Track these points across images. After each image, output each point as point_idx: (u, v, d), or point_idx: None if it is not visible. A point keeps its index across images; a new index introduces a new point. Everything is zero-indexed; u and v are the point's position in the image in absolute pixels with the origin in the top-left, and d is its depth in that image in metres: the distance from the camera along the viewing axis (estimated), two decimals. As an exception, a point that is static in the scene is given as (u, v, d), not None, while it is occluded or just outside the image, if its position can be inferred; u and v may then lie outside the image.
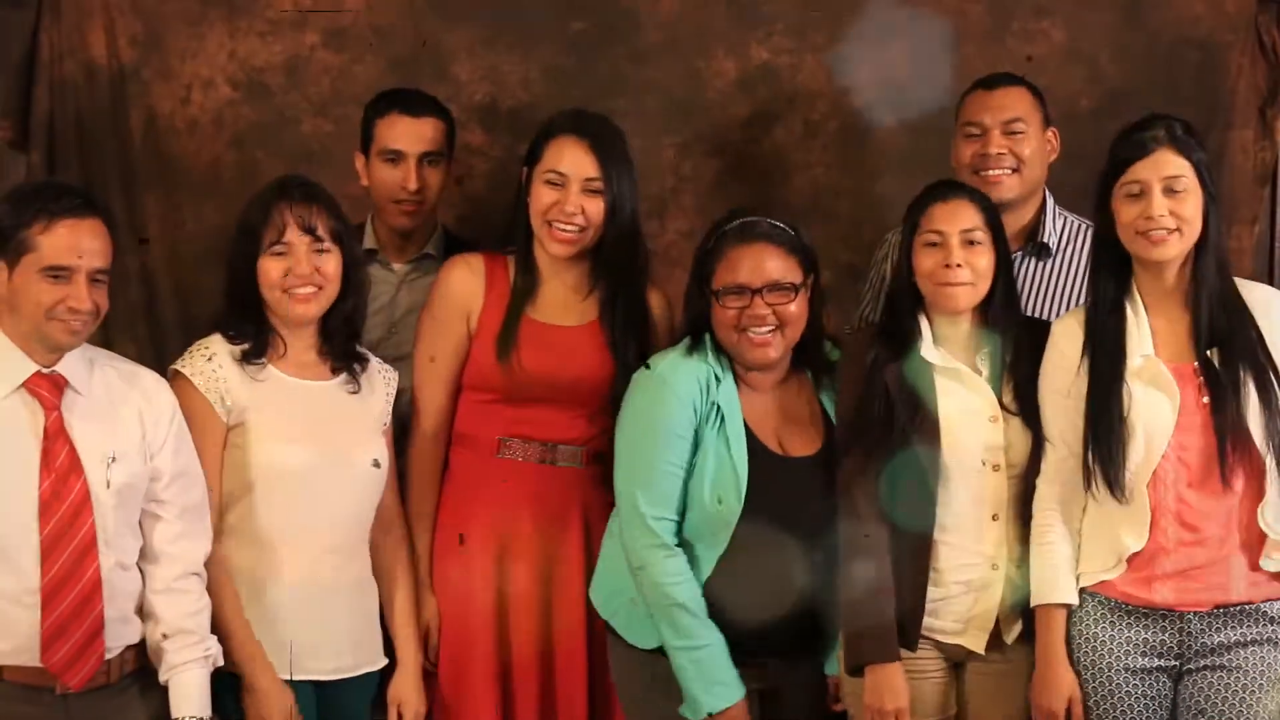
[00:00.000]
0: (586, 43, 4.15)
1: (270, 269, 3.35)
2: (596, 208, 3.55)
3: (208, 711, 3.20)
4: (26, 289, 3.07)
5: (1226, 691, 3.22)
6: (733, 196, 3.97)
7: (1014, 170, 3.74)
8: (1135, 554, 3.24)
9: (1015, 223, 3.74)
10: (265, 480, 3.34)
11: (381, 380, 3.52)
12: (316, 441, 3.37)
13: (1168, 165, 3.24)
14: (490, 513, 3.60)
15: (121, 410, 3.19)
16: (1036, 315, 3.70)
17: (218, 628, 3.26)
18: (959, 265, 3.33)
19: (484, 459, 3.61)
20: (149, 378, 3.28)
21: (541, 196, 3.56)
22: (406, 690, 3.54)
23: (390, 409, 3.54)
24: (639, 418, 3.41)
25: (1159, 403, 3.24)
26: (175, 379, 3.35)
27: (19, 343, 3.11)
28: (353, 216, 3.59)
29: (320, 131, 4.13)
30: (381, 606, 3.54)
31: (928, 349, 3.38)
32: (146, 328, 4.07)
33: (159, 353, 3.90)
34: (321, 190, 3.43)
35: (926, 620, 3.34)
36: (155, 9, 4.10)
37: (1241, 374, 3.23)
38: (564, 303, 3.62)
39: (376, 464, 3.46)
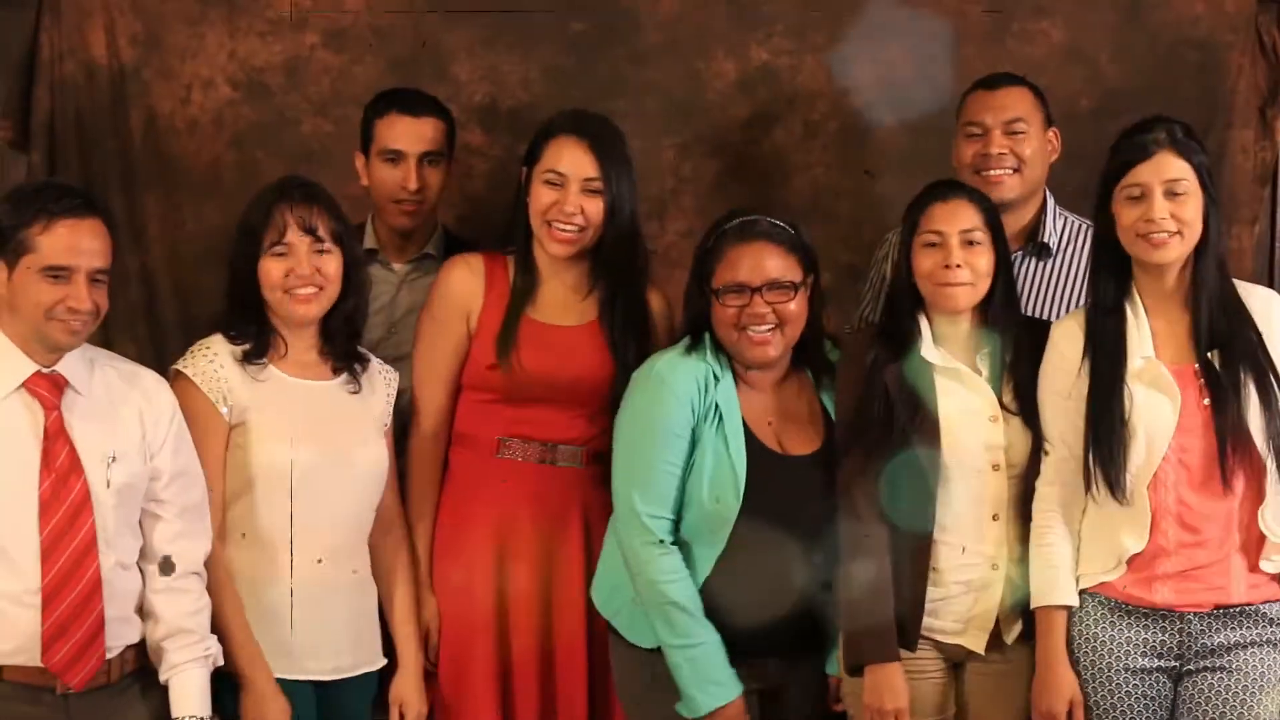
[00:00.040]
0: (586, 43, 4.15)
1: (271, 270, 3.36)
2: (596, 208, 3.55)
3: (208, 711, 3.20)
4: (26, 289, 3.07)
5: (1226, 693, 3.22)
6: (733, 197, 3.97)
7: (1015, 170, 3.74)
8: (1135, 555, 3.24)
9: (1016, 223, 3.74)
10: (266, 480, 3.35)
11: (382, 381, 3.52)
12: (317, 441, 3.37)
13: (1169, 168, 3.24)
14: (490, 513, 3.60)
15: (121, 410, 3.19)
16: (1037, 315, 3.70)
17: (217, 628, 3.26)
18: (958, 266, 3.33)
19: (484, 459, 3.61)
20: (149, 377, 3.28)
21: (541, 196, 3.56)
22: (408, 691, 3.55)
23: (391, 410, 3.54)
24: (637, 417, 3.41)
25: (1160, 404, 3.25)
26: (177, 379, 3.35)
27: (19, 343, 3.11)
28: (353, 216, 3.59)
29: (320, 131, 4.13)
30: (381, 607, 3.54)
31: (927, 349, 3.38)
32: (146, 328, 4.07)
33: (159, 353, 3.90)
34: (322, 191, 3.43)
35: (926, 620, 3.34)
36: (155, 9, 4.10)
37: (1242, 376, 3.23)
38: (563, 303, 3.62)
39: (377, 464, 3.46)
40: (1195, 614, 3.23)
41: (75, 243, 3.07)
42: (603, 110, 3.75)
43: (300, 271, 3.34)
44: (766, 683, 3.46)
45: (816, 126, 4.19)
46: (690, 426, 3.36)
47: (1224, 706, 3.21)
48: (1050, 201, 3.83)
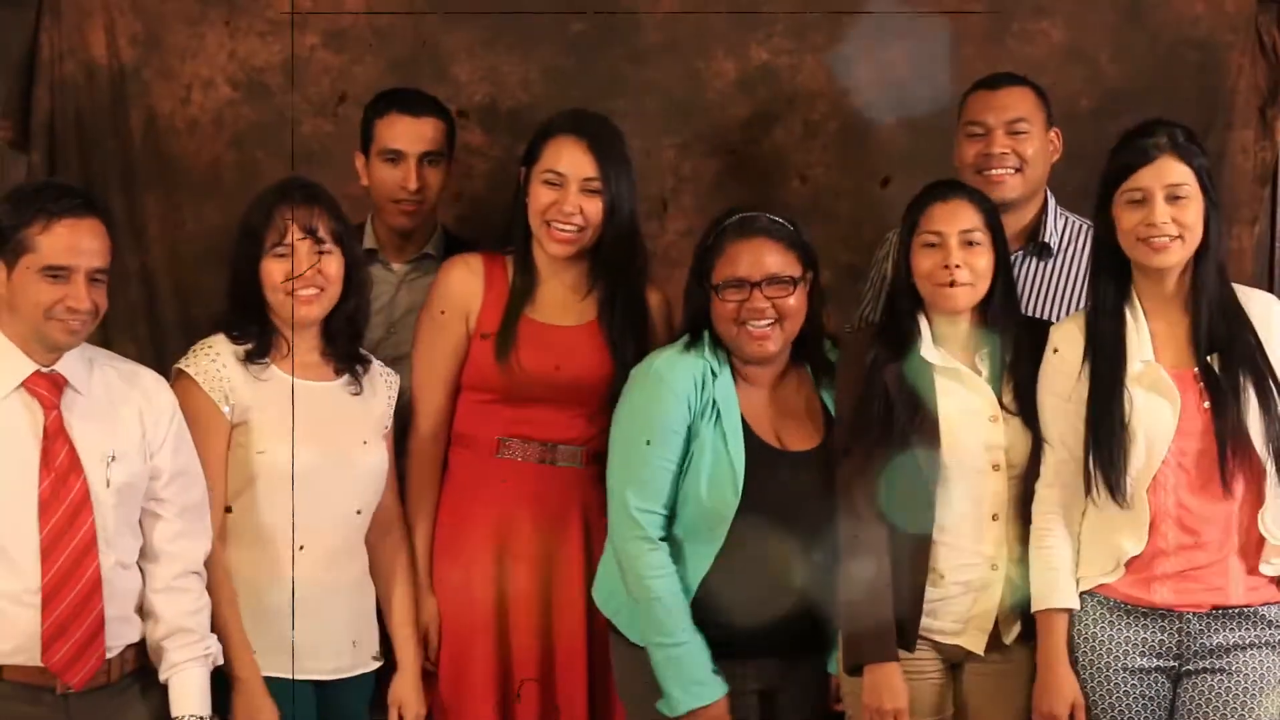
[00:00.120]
0: (586, 43, 4.15)
1: (273, 271, 3.36)
2: (595, 208, 3.55)
3: (208, 710, 3.20)
4: (25, 289, 3.07)
5: (1226, 694, 3.22)
6: (732, 197, 3.97)
7: (1017, 170, 3.74)
8: (1134, 557, 3.24)
9: (1017, 223, 3.74)
10: (267, 479, 3.35)
11: (384, 383, 3.53)
12: (318, 441, 3.38)
13: (1171, 173, 3.24)
14: (490, 513, 3.60)
15: (121, 409, 3.19)
16: (1037, 315, 3.70)
17: (213, 626, 3.26)
18: (958, 266, 3.33)
19: (483, 459, 3.61)
20: (149, 377, 3.28)
21: (540, 196, 3.56)
22: (406, 692, 3.55)
23: (391, 412, 3.54)
24: (634, 413, 3.42)
25: (1160, 408, 3.24)
26: (179, 378, 3.36)
27: (18, 343, 3.11)
28: (353, 216, 3.59)
29: (320, 131, 4.13)
30: (379, 608, 3.54)
31: (927, 349, 3.38)
32: (146, 328, 4.06)
33: (159, 353, 3.90)
34: (323, 191, 3.44)
35: (925, 620, 3.33)
36: (155, 9, 4.10)
37: (1241, 380, 3.23)
38: (563, 303, 3.62)
39: (377, 466, 3.47)
40: (1194, 614, 3.23)
41: (74, 242, 3.08)
42: (603, 110, 3.75)
43: (301, 272, 3.34)
44: (766, 683, 3.46)
45: (816, 126, 4.18)
46: (687, 424, 3.36)
47: (1223, 708, 3.21)
48: (1051, 202, 3.83)
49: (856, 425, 3.36)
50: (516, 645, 3.59)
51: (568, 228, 3.55)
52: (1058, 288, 3.80)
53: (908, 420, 3.33)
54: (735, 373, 3.42)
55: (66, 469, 3.09)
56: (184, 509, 3.24)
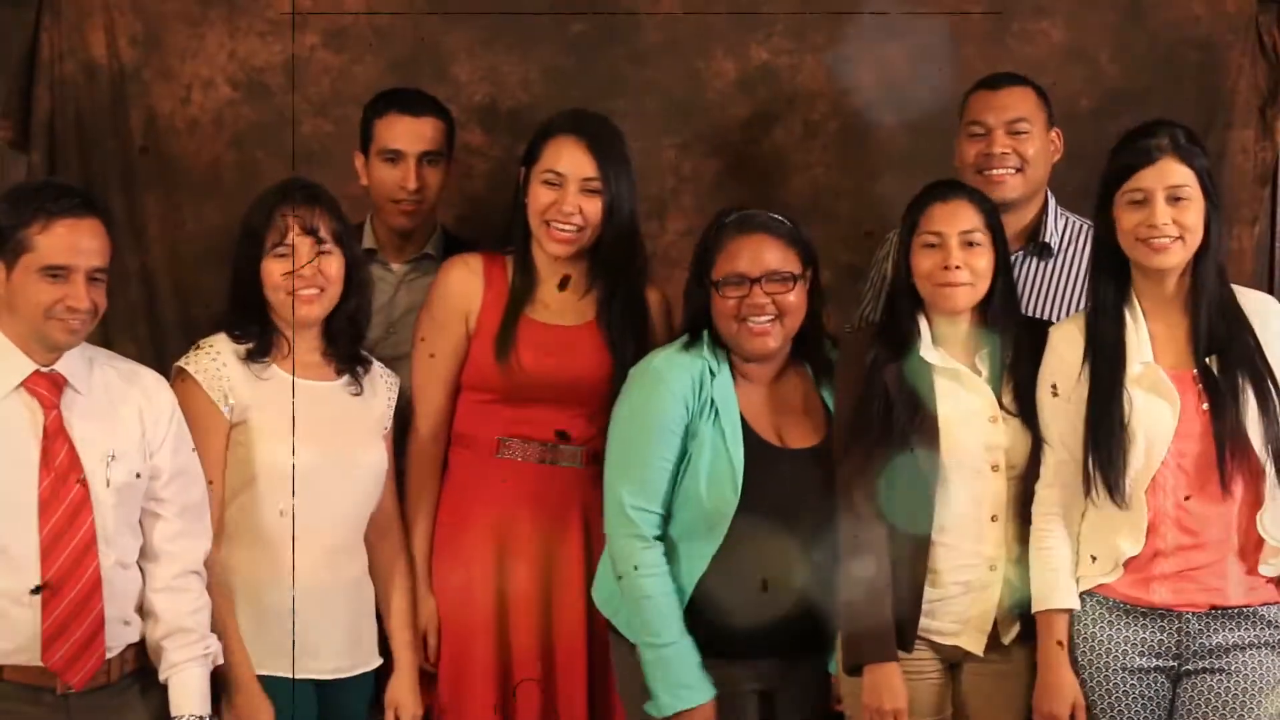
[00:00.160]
0: (586, 43, 4.15)
1: (273, 270, 3.37)
2: (594, 207, 3.55)
3: (207, 710, 3.21)
4: (25, 288, 3.07)
5: (1225, 695, 3.22)
6: (732, 197, 3.97)
7: (1018, 170, 3.74)
8: (1133, 557, 3.24)
9: (1017, 223, 3.75)
10: (267, 478, 3.35)
11: (384, 384, 3.53)
12: (319, 441, 3.38)
13: (1172, 174, 3.24)
14: (490, 513, 3.60)
15: (121, 409, 3.19)
16: (1038, 315, 3.70)
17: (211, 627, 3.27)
18: (958, 267, 3.33)
19: (483, 459, 3.61)
20: (149, 376, 3.28)
21: (539, 196, 3.57)
22: (403, 693, 3.55)
23: (391, 413, 3.54)
24: (632, 412, 3.42)
25: (1159, 409, 3.25)
26: (179, 376, 3.36)
27: (18, 342, 3.11)
28: (352, 216, 3.59)
29: (320, 131, 4.13)
30: (378, 609, 3.54)
31: (927, 349, 3.38)
32: (146, 328, 4.07)
33: (159, 353, 3.90)
34: (323, 192, 3.45)
35: (923, 621, 3.33)
36: (155, 9, 4.10)
37: (1240, 381, 3.23)
38: (562, 302, 3.62)
39: (376, 466, 3.47)
40: (1193, 614, 3.23)
41: (74, 242, 3.08)
42: (603, 110, 3.75)
43: (302, 272, 3.34)
44: (765, 683, 3.46)
45: (816, 126, 4.19)
46: (685, 423, 3.37)
47: (1222, 708, 3.21)
48: (1052, 202, 3.83)
49: (856, 425, 3.36)
50: (516, 645, 3.59)
51: (567, 228, 3.55)
52: (1058, 288, 3.80)
53: (907, 421, 3.33)
54: (734, 371, 3.42)
55: (66, 468, 3.09)
56: (184, 508, 3.24)
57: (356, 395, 3.47)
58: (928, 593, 3.33)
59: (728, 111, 4.18)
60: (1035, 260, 3.81)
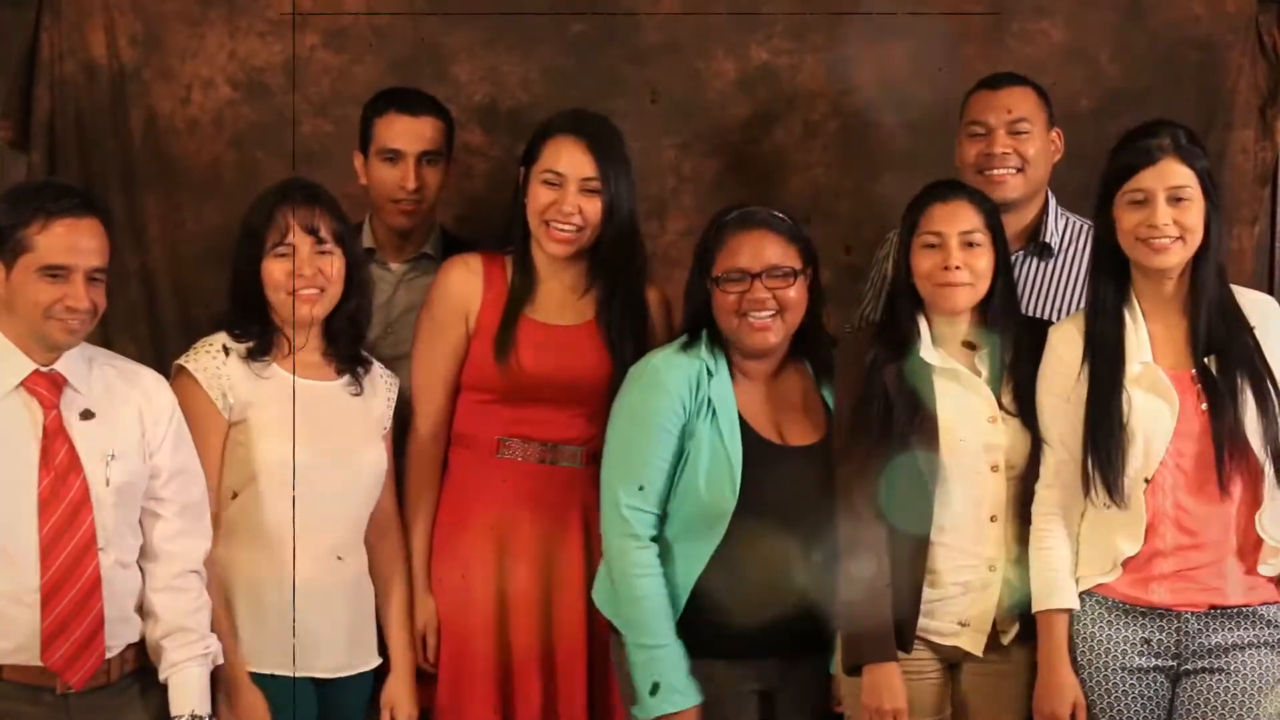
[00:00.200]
0: (586, 43, 4.16)
1: (274, 270, 3.37)
2: (594, 207, 3.55)
3: (207, 709, 3.20)
4: (24, 288, 3.07)
5: (1225, 695, 3.22)
6: (732, 197, 3.95)
7: (1018, 170, 3.74)
8: (1130, 557, 3.24)
9: (1017, 223, 3.75)
10: (268, 477, 3.36)
11: (384, 384, 3.53)
12: (319, 441, 3.38)
13: (1173, 175, 3.24)
14: (490, 513, 3.60)
15: (121, 409, 3.19)
16: (1038, 316, 3.69)
17: None
18: (957, 267, 3.33)
19: (483, 459, 3.61)
20: (148, 376, 3.28)
21: (539, 196, 3.57)
22: (399, 693, 3.55)
23: (391, 414, 3.55)
24: (629, 412, 3.42)
25: (1158, 409, 3.25)
26: (179, 374, 3.37)
27: (17, 342, 3.11)
28: (352, 216, 3.59)
29: (320, 131, 4.13)
30: (377, 609, 3.54)
31: (926, 350, 3.38)
32: (146, 328, 4.07)
33: (159, 353, 3.89)
34: (324, 192, 3.45)
35: (922, 621, 3.33)
36: (155, 9, 4.10)
37: (1239, 381, 3.23)
38: (562, 302, 3.62)
39: (376, 466, 3.48)
40: (1192, 614, 3.23)
41: (73, 242, 3.08)
42: (603, 110, 3.75)
43: (302, 272, 3.35)
44: (765, 683, 3.45)
45: (816, 126, 4.19)
46: (681, 424, 3.37)
47: (1222, 708, 3.21)
48: (1052, 202, 3.84)
49: (856, 425, 3.36)
50: (516, 646, 3.59)
51: (567, 227, 3.55)
52: (1058, 288, 3.80)
53: (907, 421, 3.33)
54: (733, 370, 3.43)
55: (66, 468, 3.09)
56: (184, 508, 3.24)
57: (356, 395, 3.47)
58: (927, 593, 3.32)
59: (728, 111, 4.19)
60: (1035, 260, 3.81)
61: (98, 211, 3.15)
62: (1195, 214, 3.24)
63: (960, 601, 3.34)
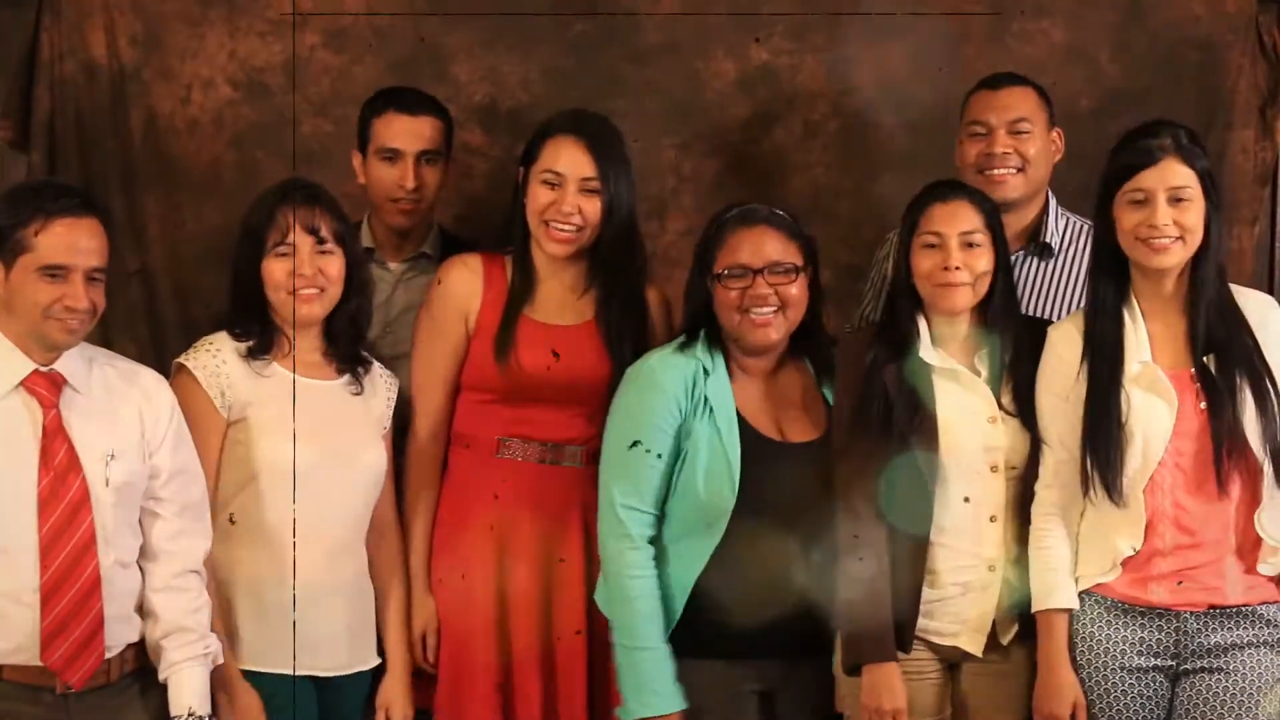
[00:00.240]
0: (586, 43, 4.16)
1: (274, 270, 3.37)
2: (594, 207, 3.55)
3: (207, 709, 3.20)
4: (23, 288, 3.07)
5: (1224, 694, 3.22)
6: (732, 197, 3.93)
7: (1019, 170, 3.74)
8: (1130, 557, 3.24)
9: (1018, 223, 3.75)
10: (268, 476, 3.36)
11: (384, 384, 3.54)
12: (319, 440, 3.38)
13: (1174, 175, 3.24)
14: (490, 513, 3.59)
15: (121, 408, 3.19)
16: (1038, 316, 3.69)
17: None
18: (957, 268, 3.33)
19: (483, 459, 3.61)
20: (148, 376, 3.28)
21: (538, 196, 3.57)
22: (394, 694, 3.55)
23: (390, 413, 3.55)
24: (624, 412, 3.42)
25: (1157, 409, 3.25)
26: (178, 372, 3.37)
27: (17, 342, 3.11)
28: (351, 215, 3.59)
29: (320, 131, 4.13)
30: (376, 610, 3.54)
31: (926, 350, 3.38)
32: (146, 328, 4.07)
33: (159, 353, 3.90)
34: (324, 192, 3.46)
35: (922, 621, 3.33)
36: (155, 9, 4.10)
37: (1238, 380, 3.23)
38: (561, 302, 3.62)
39: (376, 465, 3.48)
40: (1191, 614, 3.23)
41: (72, 242, 3.08)
42: (603, 110, 3.75)
43: (303, 271, 3.35)
44: (766, 684, 3.45)
45: (816, 126, 4.19)
46: (677, 424, 3.37)
47: (1221, 708, 3.21)
48: (1053, 202, 3.84)
49: (855, 426, 3.36)
50: (516, 646, 3.58)
51: (566, 227, 3.55)
52: (1058, 288, 3.80)
53: (906, 421, 3.33)
54: (731, 368, 3.43)
55: (65, 468, 3.09)
56: (184, 508, 3.24)
57: (357, 395, 3.47)
58: (926, 593, 3.32)
59: (728, 111, 4.19)
60: (1036, 260, 3.81)
61: (97, 211, 3.14)
62: (1195, 214, 3.24)
63: (960, 602, 3.34)
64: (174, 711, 3.18)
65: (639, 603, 3.36)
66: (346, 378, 3.47)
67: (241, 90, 4.14)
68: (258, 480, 3.36)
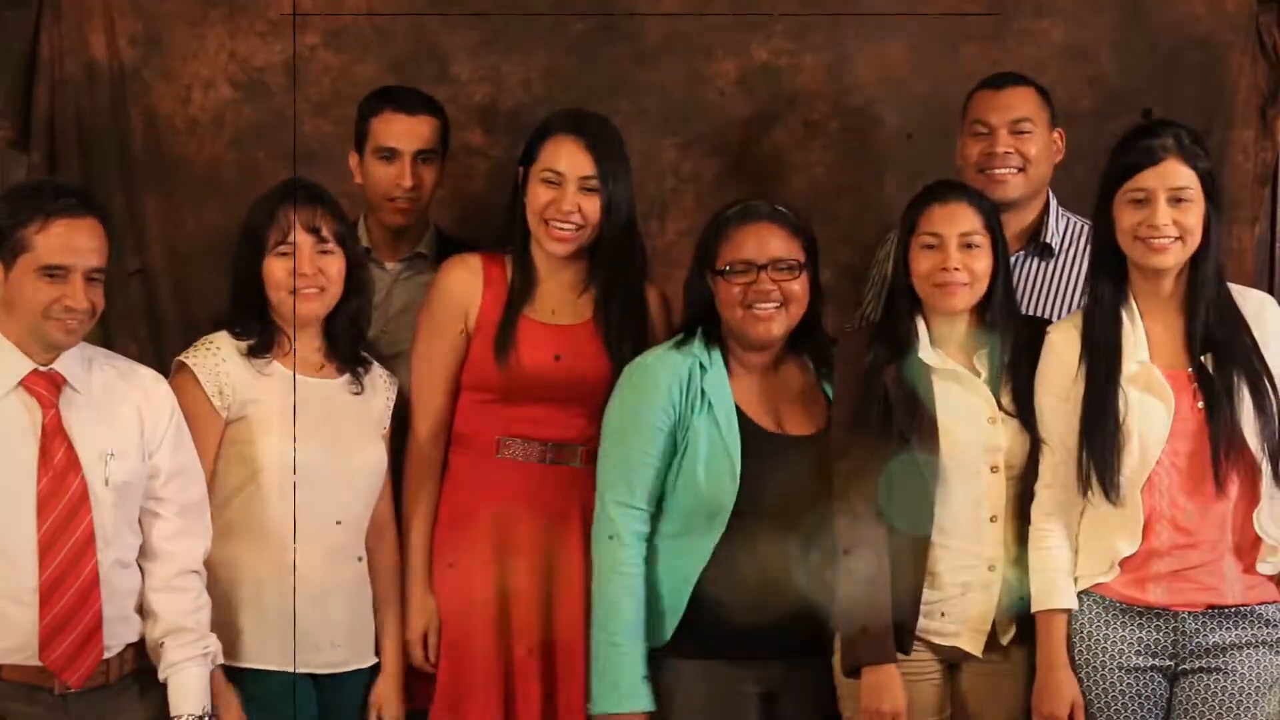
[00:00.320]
0: (586, 43, 4.16)
1: (275, 270, 3.37)
2: (593, 206, 3.55)
3: (206, 709, 3.20)
4: (23, 288, 3.08)
5: (1223, 694, 3.21)
6: (732, 197, 3.91)
7: (1020, 170, 3.74)
8: (1128, 557, 3.24)
9: (1018, 223, 3.75)
10: (268, 474, 3.36)
11: (384, 384, 3.54)
12: (319, 439, 3.39)
13: (1175, 175, 3.24)
14: (490, 513, 3.59)
15: (120, 408, 3.20)
16: (1038, 316, 3.69)
17: None
18: (956, 269, 3.33)
19: (483, 459, 3.61)
20: (148, 375, 3.29)
21: (538, 196, 3.57)
22: (388, 693, 3.54)
23: (390, 413, 3.55)
24: (621, 410, 3.43)
25: (1154, 408, 3.24)
26: (179, 370, 3.37)
27: (16, 342, 3.12)
28: (349, 215, 3.59)
29: (320, 131, 4.13)
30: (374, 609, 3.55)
31: (925, 350, 3.37)
32: (146, 328, 4.08)
33: (159, 353, 3.90)
34: (325, 192, 3.46)
35: (922, 622, 3.33)
36: (155, 9, 4.11)
37: (1235, 380, 3.23)
38: (561, 301, 3.62)
39: (376, 465, 3.48)
40: (1189, 613, 3.23)
41: (72, 242, 3.08)
42: (603, 110, 3.76)
43: (303, 271, 3.36)
44: (767, 685, 3.45)
45: (816, 126, 4.19)
46: (673, 421, 3.38)
47: (1219, 707, 3.21)
48: (1053, 202, 3.84)
49: (855, 426, 3.35)
50: (516, 646, 3.58)
51: (566, 226, 3.55)
52: (1059, 288, 3.80)
53: (906, 422, 3.33)
54: (729, 363, 3.44)
55: (65, 467, 3.09)
56: (183, 507, 3.25)
57: (357, 394, 3.47)
58: (926, 594, 3.32)
59: (728, 111, 4.19)
60: (1036, 260, 3.81)
61: (97, 211, 3.15)
62: (1195, 215, 3.24)
63: (960, 602, 3.33)
64: (174, 712, 3.18)
65: (618, 599, 3.36)
66: (346, 377, 3.47)
67: (242, 90, 4.14)
68: (258, 479, 3.36)
